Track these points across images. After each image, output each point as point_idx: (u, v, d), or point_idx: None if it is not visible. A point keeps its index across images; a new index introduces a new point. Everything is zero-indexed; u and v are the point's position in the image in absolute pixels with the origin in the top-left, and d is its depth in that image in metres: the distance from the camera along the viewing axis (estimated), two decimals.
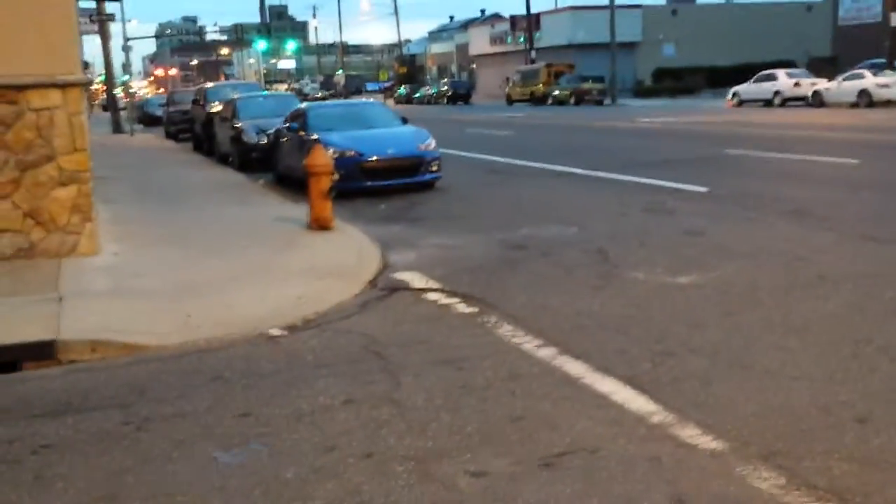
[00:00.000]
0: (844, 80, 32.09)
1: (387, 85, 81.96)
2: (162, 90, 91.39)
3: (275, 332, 5.88)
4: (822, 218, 9.05)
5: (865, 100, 30.20)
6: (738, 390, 4.41)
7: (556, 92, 49.06)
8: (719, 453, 3.69)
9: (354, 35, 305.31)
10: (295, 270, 7.53)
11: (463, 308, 6.26)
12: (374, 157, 12.63)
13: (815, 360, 4.81)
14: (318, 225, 9.40)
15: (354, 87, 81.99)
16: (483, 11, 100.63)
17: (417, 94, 69.30)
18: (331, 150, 11.57)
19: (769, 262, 7.23)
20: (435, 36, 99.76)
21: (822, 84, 33.34)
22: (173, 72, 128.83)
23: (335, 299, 6.58)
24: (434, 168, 13.03)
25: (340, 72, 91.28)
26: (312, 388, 4.77)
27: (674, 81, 53.25)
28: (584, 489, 3.45)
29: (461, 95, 62.09)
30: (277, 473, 3.77)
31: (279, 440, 4.12)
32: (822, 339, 5.16)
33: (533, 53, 59.35)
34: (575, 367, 4.82)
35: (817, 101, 32.46)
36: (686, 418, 4.04)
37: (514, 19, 66.62)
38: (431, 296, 6.68)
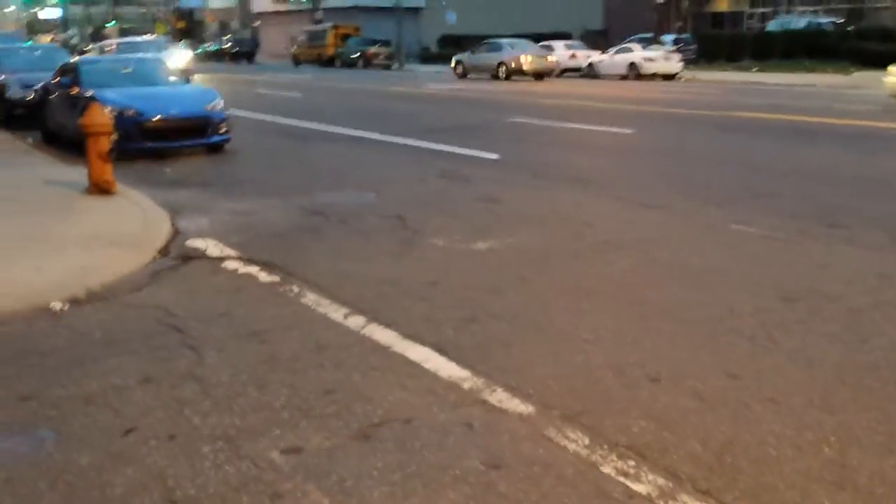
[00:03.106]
0: (616, 53, 34.12)
1: None
2: None
3: (56, 305, 5.42)
4: (604, 185, 9.58)
5: (634, 72, 32.32)
6: (538, 353, 4.57)
7: (345, 54, 48.70)
8: (527, 416, 3.81)
9: None
10: (75, 239, 6.96)
11: (264, 277, 6.06)
12: (157, 117, 11.92)
13: (606, 322, 5.08)
14: (99, 189, 8.76)
15: None
16: None
17: (197, 51, 66.26)
18: (108, 109, 10.79)
19: (559, 228, 7.55)
20: None
21: (595, 56, 35.25)
22: None
23: (123, 270, 6.16)
24: (223, 130, 12.50)
25: (113, 23, 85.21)
26: (103, 367, 4.44)
27: (457, 48, 54.29)
28: (400, 460, 3.45)
29: (245, 54, 60.03)
30: (70, 461, 3.48)
31: (69, 425, 3.80)
32: (611, 302, 5.46)
33: (318, 14, 58.37)
34: (384, 336, 4.80)
35: (591, 72, 34.35)
36: (494, 383, 4.13)
37: None
38: (229, 265, 6.41)
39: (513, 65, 33.42)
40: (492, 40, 36.69)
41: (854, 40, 34.42)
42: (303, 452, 3.52)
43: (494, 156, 11.74)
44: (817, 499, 3.08)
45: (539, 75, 33.32)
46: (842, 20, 40.50)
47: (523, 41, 36.20)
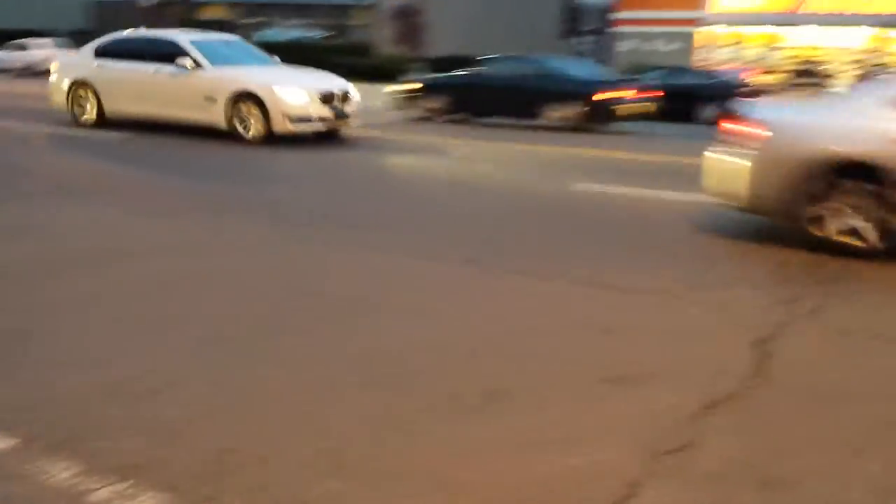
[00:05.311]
0: None
1: None
2: None
3: None
4: (100, 194, 9.02)
5: None
6: (25, 379, 4.12)
7: None
8: (7, 452, 3.39)
9: None
10: None
11: None
12: None
13: (108, 338, 4.77)
14: None
15: None
16: None
17: None
18: None
19: (53, 239, 6.93)
20: None
21: None
22: None
23: None
24: None
25: None
26: None
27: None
28: None
29: None
30: None
31: None
32: (114, 317, 5.14)
33: None
34: None
35: None
36: None
37: None
38: None
39: None
40: None
41: (334, 54, 37.17)
42: None
43: None
44: (311, 488, 3.22)
45: None
46: (329, 34, 43.83)
47: None
